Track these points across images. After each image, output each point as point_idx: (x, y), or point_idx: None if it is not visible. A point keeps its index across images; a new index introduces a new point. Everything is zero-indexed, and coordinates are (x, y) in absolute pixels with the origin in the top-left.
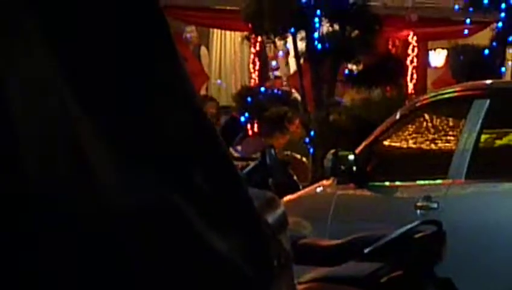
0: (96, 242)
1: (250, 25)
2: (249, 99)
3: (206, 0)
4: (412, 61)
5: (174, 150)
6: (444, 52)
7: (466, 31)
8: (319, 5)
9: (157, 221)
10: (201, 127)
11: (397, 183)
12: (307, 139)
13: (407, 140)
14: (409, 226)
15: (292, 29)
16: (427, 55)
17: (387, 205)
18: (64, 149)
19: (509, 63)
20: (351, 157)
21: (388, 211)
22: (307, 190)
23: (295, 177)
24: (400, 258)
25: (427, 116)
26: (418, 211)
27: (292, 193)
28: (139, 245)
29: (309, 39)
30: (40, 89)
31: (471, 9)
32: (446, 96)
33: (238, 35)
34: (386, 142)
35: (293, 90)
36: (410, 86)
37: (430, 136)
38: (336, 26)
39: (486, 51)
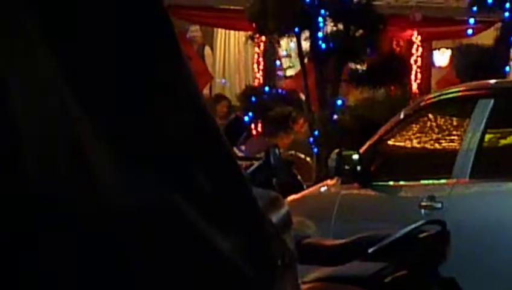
0: (96, 242)
1: (254, 25)
2: (253, 99)
3: (210, 0)
4: (416, 61)
5: (174, 149)
6: (448, 52)
7: (470, 31)
8: (323, 5)
9: (157, 221)
10: (203, 126)
11: (401, 183)
12: (311, 139)
13: (411, 140)
14: (413, 225)
15: (296, 29)
16: (431, 54)
17: (392, 204)
18: (64, 149)
19: None
20: (355, 157)
21: (392, 210)
22: (311, 189)
23: (299, 177)
24: (404, 258)
25: (431, 116)
26: (422, 211)
27: (296, 192)
28: (139, 245)
29: (313, 39)
30: (40, 89)
31: (475, 8)
32: (450, 96)
33: (242, 35)
34: (390, 142)
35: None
36: (415, 85)
37: (434, 136)
38: (340, 26)
39: (491, 51)
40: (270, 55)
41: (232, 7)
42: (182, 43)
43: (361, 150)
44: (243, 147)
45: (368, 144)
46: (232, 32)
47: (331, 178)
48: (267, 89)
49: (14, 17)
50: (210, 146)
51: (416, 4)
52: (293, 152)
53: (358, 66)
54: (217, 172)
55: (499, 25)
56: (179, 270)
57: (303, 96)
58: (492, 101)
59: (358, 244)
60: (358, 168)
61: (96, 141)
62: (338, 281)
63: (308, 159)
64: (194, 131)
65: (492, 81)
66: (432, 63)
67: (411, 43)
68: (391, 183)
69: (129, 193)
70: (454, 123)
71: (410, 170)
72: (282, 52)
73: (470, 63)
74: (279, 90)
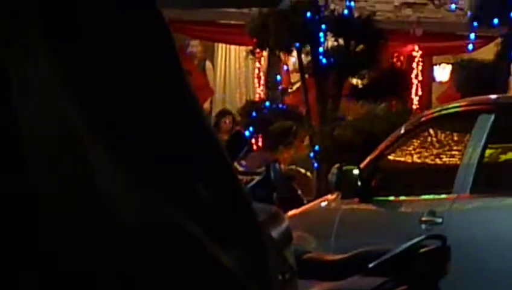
0: (98, 249)
1: (254, 40)
2: (253, 113)
3: (211, 15)
4: (416, 76)
5: (175, 164)
6: (449, 67)
7: (471, 46)
8: (323, 20)
9: (161, 237)
10: (203, 141)
11: (402, 197)
12: (312, 154)
13: (412, 155)
14: (413, 241)
15: (297, 44)
16: (432, 69)
17: (392, 219)
18: (65, 152)
19: None
20: (356, 171)
21: (393, 225)
22: (311, 204)
23: (300, 192)
24: (404, 272)
25: (432, 131)
26: (423, 226)
27: (297, 207)
28: (140, 256)
29: (314, 54)
30: (41, 89)
31: (475, 24)
32: (451, 111)
33: (242, 50)
34: (390, 157)
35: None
36: (415, 100)
37: (435, 151)
38: (341, 41)
39: (491, 66)
40: (274, 69)
41: (232, 22)
42: (183, 57)
43: (361, 165)
44: (243, 162)
45: (368, 159)
46: (232, 47)
47: (332, 193)
48: (267, 103)
49: (14, 17)
50: (211, 161)
51: (416, 19)
52: (293, 167)
53: (359, 81)
54: (217, 186)
55: (500, 40)
56: (181, 283)
57: (304, 111)
58: (493, 116)
59: (359, 259)
60: (359, 183)
61: (97, 142)
62: None
63: (308, 174)
64: (194, 146)
65: (493, 96)
66: (432, 78)
67: (412, 58)
68: (392, 198)
69: (132, 207)
70: (455, 138)
71: (410, 185)
72: (290, 66)
73: (470, 78)
74: (280, 105)
